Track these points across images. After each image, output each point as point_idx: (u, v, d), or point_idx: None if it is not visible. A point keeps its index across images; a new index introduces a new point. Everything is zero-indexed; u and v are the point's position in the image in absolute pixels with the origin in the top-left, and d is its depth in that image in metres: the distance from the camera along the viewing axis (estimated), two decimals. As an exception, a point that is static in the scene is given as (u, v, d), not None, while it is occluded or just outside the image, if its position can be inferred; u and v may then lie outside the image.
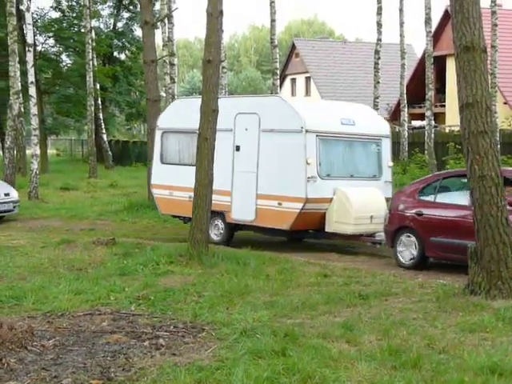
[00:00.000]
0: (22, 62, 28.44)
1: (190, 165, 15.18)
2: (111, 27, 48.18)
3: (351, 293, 10.18)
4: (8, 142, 26.09)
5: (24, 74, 27.78)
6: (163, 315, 9.06)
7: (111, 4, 48.01)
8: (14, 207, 20.28)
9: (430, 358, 7.02)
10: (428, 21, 30.75)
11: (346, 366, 6.88)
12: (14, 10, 26.01)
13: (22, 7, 31.43)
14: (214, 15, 13.20)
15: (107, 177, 34.10)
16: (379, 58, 31.26)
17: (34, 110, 26.64)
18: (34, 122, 26.57)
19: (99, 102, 39.82)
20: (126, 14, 48.95)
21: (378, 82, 31.48)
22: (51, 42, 44.92)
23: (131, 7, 48.34)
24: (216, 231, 15.97)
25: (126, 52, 49.90)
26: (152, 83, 21.30)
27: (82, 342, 7.81)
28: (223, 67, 31.39)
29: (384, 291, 10.38)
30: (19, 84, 26.04)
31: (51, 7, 44.20)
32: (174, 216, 17.59)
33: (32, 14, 31.82)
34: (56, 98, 43.23)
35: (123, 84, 45.94)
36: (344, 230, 14.41)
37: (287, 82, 64.33)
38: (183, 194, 16.01)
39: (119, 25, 48.69)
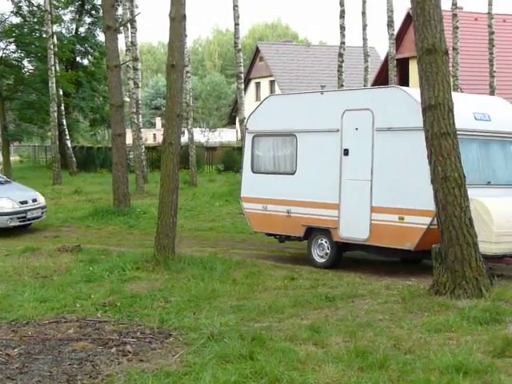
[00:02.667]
0: (-17, 68, 28.11)
1: (287, 173, 14.12)
2: (73, 32, 47.82)
3: (318, 295, 10.22)
4: (-30, 149, 25.82)
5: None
6: (130, 321, 9.02)
7: (73, 9, 47.65)
8: (42, 213, 19.56)
9: (396, 359, 7.08)
10: (390, 24, 31.02)
11: (314, 368, 6.91)
12: (-26, 16, 25.73)
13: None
14: (177, 19, 13.18)
15: (72, 183, 33.81)
16: (343, 61, 31.43)
17: (-5, 116, 26.37)
18: (-4, 128, 26.30)
19: (62, 107, 39.50)
20: (88, 19, 48.65)
21: (342, 85, 31.62)
22: (12, 47, 44.42)
23: (93, 12, 48.05)
24: (320, 252, 13.59)
25: (89, 57, 49.57)
26: (116, 88, 21.20)
27: (48, 350, 7.74)
28: (187, 72, 31.39)
29: (350, 293, 10.44)
30: (-20, 90, 25.77)
31: (11, 12, 43.74)
32: (269, 234, 15.04)
33: (-8, 19, 31.51)
34: (18, 105, 42.76)
35: (86, 89, 45.60)
36: (483, 250, 11.07)
37: (252, 85, 64.44)
38: (280, 208, 14.11)
39: (81, 30, 48.37)
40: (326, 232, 13.42)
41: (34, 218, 19.23)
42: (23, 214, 18.72)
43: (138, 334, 8.37)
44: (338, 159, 13.17)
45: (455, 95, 14.15)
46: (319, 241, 13.58)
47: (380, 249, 12.79)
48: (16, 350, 7.71)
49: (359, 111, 12.99)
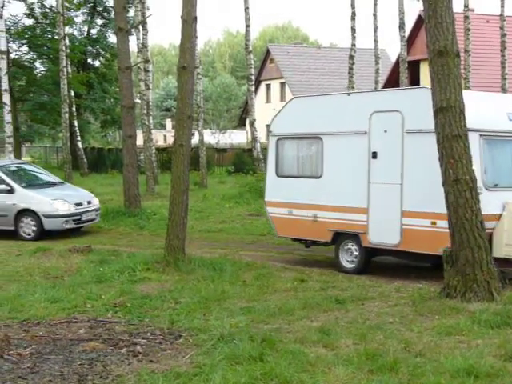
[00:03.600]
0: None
1: (313, 177, 13.76)
2: (85, 34, 47.97)
3: (328, 297, 10.21)
4: (-18, 150, 25.92)
5: (-3, 81, 27.56)
6: (140, 322, 9.04)
7: (85, 11, 47.78)
8: (96, 215, 19.44)
9: (406, 362, 7.06)
10: (402, 26, 31.00)
11: (324, 370, 6.91)
12: (-14, 18, 25.84)
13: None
14: (189, 22, 13.21)
15: (82, 184, 33.78)
16: (354, 63, 31.42)
17: (7, 117, 26.48)
18: (8, 129, 26.41)
19: (74, 109, 39.61)
20: (99, 21, 48.77)
21: (353, 87, 31.60)
22: (25, 49, 44.67)
23: (105, 14, 48.18)
24: (348, 257, 13.26)
25: (101, 59, 49.71)
26: (127, 90, 21.24)
27: (59, 350, 7.77)
28: (198, 73, 31.44)
29: (361, 295, 10.43)
30: (-8, 92, 25.87)
31: (24, 14, 43.95)
32: (294, 239, 14.80)
33: (5, 21, 31.57)
34: (30, 106, 42.93)
35: (98, 91, 45.73)
36: None
37: (262, 87, 64.46)
38: (305, 212, 13.75)
39: (93, 31, 48.50)
40: (354, 237, 13.12)
41: (88, 221, 19.10)
42: (78, 217, 18.62)
43: (148, 334, 8.38)
44: (366, 162, 12.86)
45: (488, 95, 13.33)
46: (347, 246, 13.27)
47: (411, 254, 12.38)
48: (27, 350, 7.74)
49: (388, 113, 12.69)
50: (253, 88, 34.16)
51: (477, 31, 37.12)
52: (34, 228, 18.10)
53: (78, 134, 40.88)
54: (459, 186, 9.88)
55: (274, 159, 14.63)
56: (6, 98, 26.46)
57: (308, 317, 9.21)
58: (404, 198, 12.24)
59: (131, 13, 39.37)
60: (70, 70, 39.01)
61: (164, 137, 77.98)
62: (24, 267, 13.36)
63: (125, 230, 19.63)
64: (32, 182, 19.74)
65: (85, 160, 41.31)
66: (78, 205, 18.75)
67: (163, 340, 8.14)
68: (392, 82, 41.73)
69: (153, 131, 34.46)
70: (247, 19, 32.40)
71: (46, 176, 20.84)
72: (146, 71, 31.58)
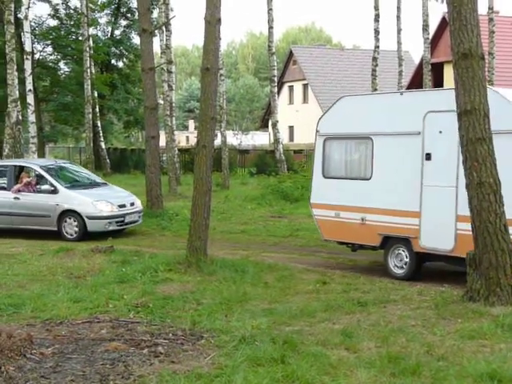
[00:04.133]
0: (20, 69, 28.44)
1: (362, 179, 13.29)
2: (109, 35, 48.25)
3: (350, 300, 10.18)
4: (6, 150, 26.07)
5: (22, 81, 27.77)
6: (162, 323, 9.06)
7: (109, 12, 48.09)
8: (139, 217, 19.28)
9: (429, 365, 7.03)
10: (425, 28, 30.87)
11: (346, 373, 6.89)
12: (12, 19, 26.05)
13: (20, 15, 31.51)
14: (212, 23, 13.23)
15: (105, 184, 34.06)
16: (377, 65, 31.33)
17: (32, 117, 26.67)
18: (32, 129, 26.60)
19: (97, 109, 39.86)
20: (123, 22, 49.06)
21: (376, 89, 31.53)
22: (49, 49, 45.06)
23: (129, 15, 48.44)
24: (398, 262, 12.82)
25: (124, 60, 49.98)
26: (150, 91, 21.33)
27: (81, 350, 7.80)
28: (221, 75, 31.49)
29: (383, 298, 10.38)
30: (17, 92, 26.04)
31: (49, 15, 44.34)
32: (341, 243, 14.11)
33: (30, 22, 31.81)
34: (54, 106, 43.26)
35: (121, 92, 45.98)
36: None
37: (285, 89, 64.48)
38: (353, 215, 13.35)
39: (117, 32, 48.79)
40: (404, 241, 12.65)
41: (131, 222, 18.88)
42: (121, 218, 18.45)
43: (170, 335, 8.40)
44: (419, 164, 12.38)
45: None
46: (397, 251, 12.82)
47: (465, 261, 11.08)
48: (50, 349, 7.78)
49: (444, 113, 11.98)
50: (275, 89, 34.17)
51: (501, 33, 36.87)
52: (77, 229, 17.96)
53: (101, 134, 41.13)
54: (483, 189, 9.81)
55: (321, 160, 14.13)
56: (31, 99, 26.67)
57: (330, 319, 9.18)
58: (459, 201, 11.61)
59: (155, 14, 39.55)
60: (93, 71, 39.30)
61: (187, 138, 78.18)
62: (47, 267, 13.44)
63: (147, 230, 19.69)
64: (75, 183, 19.59)
65: (107, 160, 41.54)
66: (122, 206, 18.60)
67: (185, 341, 8.15)
68: (415, 84, 41.56)
69: (175, 132, 34.59)
70: (270, 21, 32.39)
71: (90, 176, 20.75)
72: (169, 72, 31.69)
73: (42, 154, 39.72)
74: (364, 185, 13.02)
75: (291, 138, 62.39)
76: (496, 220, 9.78)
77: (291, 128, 63.17)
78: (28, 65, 27.00)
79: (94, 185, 19.87)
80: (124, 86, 46.59)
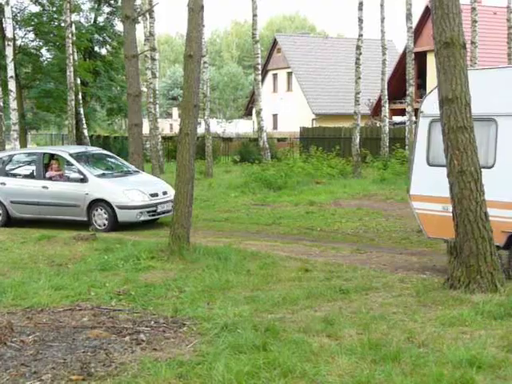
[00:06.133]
0: (2, 56, 28.23)
1: (482, 167, 10.44)
2: (92, 21, 47.90)
3: (332, 287, 10.20)
4: (-13, 137, 25.93)
5: (3, 68, 27.63)
6: (144, 310, 9.06)
7: (92, -2, 47.73)
8: (172, 207, 18.47)
9: (409, 352, 7.06)
10: (409, 16, 30.92)
11: (327, 360, 6.91)
12: (-7, 4, 25.84)
13: (1, 1, 31.20)
14: (196, 10, 13.18)
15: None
16: (360, 54, 31.35)
17: (13, 104, 26.50)
18: (14, 116, 26.43)
19: (80, 96, 39.57)
20: (106, 9, 48.66)
21: (360, 78, 31.56)
22: (31, 36, 44.61)
23: (112, 1, 48.06)
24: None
25: (107, 47, 49.63)
26: (133, 78, 21.19)
27: (62, 338, 7.79)
28: (204, 62, 31.41)
29: (365, 286, 10.42)
30: (-1, 79, 25.88)
31: (31, 1, 43.87)
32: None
33: (11, 7, 31.54)
34: (36, 93, 42.92)
35: (104, 79, 45.69)
36: None
37: (269, 77, 64.41)
38: None
39: (100, 19, 48.40)
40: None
41: (163, 212, 18.01)
42: (153, 208, 17.70)
43: (152, 323, 8.40)
44: None
45: None
46: None
47: None
48: (31, 337, 7.76)
49: None
50: (259, 77, 34.13)
51: (484, 23, 37.02)
52: (107, 220, 17.46)
53: (84, 121, 40.86)
54: (464, 177, 9.85)
55: (426, 145, 12.13)
56: (12, 85, 26.47)
57: (312, 306, 9.21)
58: None
59: (138, 1, 39.18)
60: (76, 58, 38.96)
61: (170, 125, 78.05)
62: (28, 254, 13.40)
63: (130, 218, 19.60)
64: (106, 171, 19.06)
65: (90, 148, 41.28)
66: (153, 195, 17.84)
67: (167, 328, 8.15)
68: (399, 72, 41.66)
69: (159, 120, 34.51)
70: (254, 8, 32.34)
71: (121, 164, 19.97)
72: (153, 59, 31.57)
73: (23, 142, 39.48)
74: (484, 174, 10.36)
75: (275, 126, 62.43)
76: (477, 208, 9.83)
77: (275, 116, 63.18)
78: (10, 51, 26.81)
79: (125, 173, 19.18)
80: (107, 73, 46.30)
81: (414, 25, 33.52)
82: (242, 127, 68.65)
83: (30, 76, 44.03)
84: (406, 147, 29.87)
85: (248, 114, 66.34)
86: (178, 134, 13.38)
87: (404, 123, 33.78)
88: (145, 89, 33.71)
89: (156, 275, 11.35)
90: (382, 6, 33.57)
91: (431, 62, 36.03)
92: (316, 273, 11.62)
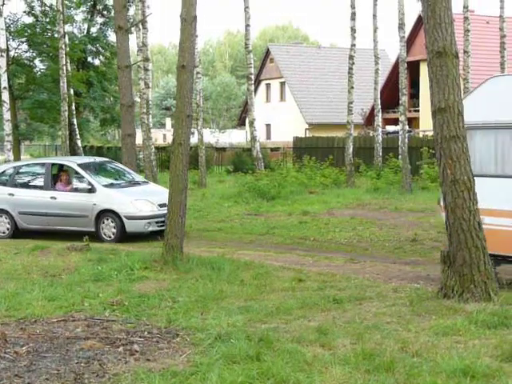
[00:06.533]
0: (-5, 67, 28.17)
1: None
2: (85, 32, 47.91)
3: (326, 297, 10.20)
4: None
5: (-3, 79, 27.53)
6: (137, 321, 9.03)
7: (85, 9, 47.70)
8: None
9: (403, 362, 7.06)
10: (401, 26, 31.00)
11: (320, 370, 6.90)
12: (-14, 15, 25.83)
13: (-6, 12, 31.15)
14: (188, 20, 13.21)
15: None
16: (353, 63, 31.44)
17: (7, 115, 26.48)
18: (8, 127, 26.41)
19: (73, 107, 39.53)
20: (99, 19, 48.66)
21: (352, 87, 31.64)
22: (24, 47, 44.57)
23: (105, 12, 48.10)
24: None
25: (100, 57, 49.61)
26: (126, 88, 21.22)
27: (56, 349, 7.76)
28: (197, 72, 31.46)
29: (358, 295, 10.41)
30: (-8, 90, 25.85)
31: (24, 12, 43.88)
32: (497, 257, 10.84)
33: (5, 18, 31.53)
34: (29, 104, 42.87)
35: (97, 89, 45.66)
36: None
37: (262, 86, 64.54)
38: (507, 221, 10.82)
39: (93, 30, 48.39)
40: None
41: None
42: (162, 218, 16.79)
43: (146, 333, 8.38)
44: None
45: None
46: None
47: None
48: (24, 348, 7.74)
49: None
50: (252, 87, 34.18)
51: (477, 32, 37.18)
52: (115, 230, 17.37)
53: (78, 132, 40.81)
54: (457, 186, 9.87)
55: None
56: (6, 96, 26.46)
57: (305, 316, 9.21)
58: None
59: (131, 11, 39.40)
60: (69, 69, 38.94)
61: (163, 136, 78.05)
62: (22, 265, 13.36)
63: (123, 228, 19.56)
64: (114, 181, 18.91)
65: (84, 158, 41.21)
66: (162, 206, 17.05)
67: (160, 339, 8.14)
68: (391, 82, 41.78)
69: (152, 130, 34.47)
70: (247, 19, 32.41)
71: (129, 174, 19.74)
72: (146, 70, 31.57)
73: (17, 152, 39.41)
74: None
75: (268, 136, 62.53)
76: (470, 217, 9.85)
77: (268, 126, 63.28)
78: (3, 62, 26.80)
79: (133, 183, 19.13)
80: (100, 83, 46.27)
81: (406, 34, 33.61)
82: (236, 137, 68.69)
83: (23, 87, 43.97)
84: (400, 156, 29.91)
85: (241, 123, 66.44)
86: (172, 144, 13.39)
87: (397, 132, 33.84)
88: (138, 99, 33.69)
89: (149, 285, 11.33)
90: (374, 16, 33.68)
91: (424, 71, 36.19)
92: (309, 283, 11.62)
